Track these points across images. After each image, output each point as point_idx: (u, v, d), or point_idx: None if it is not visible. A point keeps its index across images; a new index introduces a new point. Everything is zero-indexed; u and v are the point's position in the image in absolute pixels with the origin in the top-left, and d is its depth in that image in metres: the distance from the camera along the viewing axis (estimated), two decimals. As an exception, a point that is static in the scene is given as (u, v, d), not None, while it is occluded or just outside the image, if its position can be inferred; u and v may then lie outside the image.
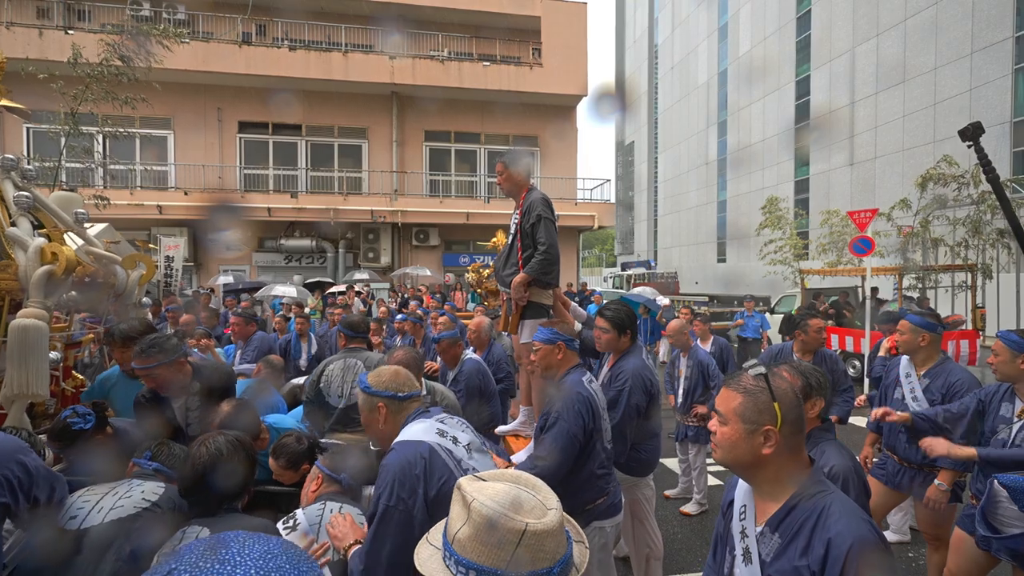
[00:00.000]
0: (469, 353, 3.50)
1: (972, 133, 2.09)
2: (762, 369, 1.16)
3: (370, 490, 1.99)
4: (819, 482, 1.16)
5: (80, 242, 3.06)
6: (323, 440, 2.35)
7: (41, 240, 2.63)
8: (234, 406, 2.20)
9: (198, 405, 2.41)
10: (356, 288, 11.08)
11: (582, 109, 16.39)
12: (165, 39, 7.94)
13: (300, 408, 3.05)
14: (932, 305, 10.06)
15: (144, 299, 3.77)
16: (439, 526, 0.92)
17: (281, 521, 1.59)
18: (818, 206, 20.78)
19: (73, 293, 2.99)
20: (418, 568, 0.88)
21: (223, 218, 13.53)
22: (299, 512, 1.63)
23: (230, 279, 11.75)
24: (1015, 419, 2.30)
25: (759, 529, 1.18)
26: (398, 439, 1.51)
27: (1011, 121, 16.28)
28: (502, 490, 0.82)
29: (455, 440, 1.55)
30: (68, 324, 3.45)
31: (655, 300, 9.01)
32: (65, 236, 3.04)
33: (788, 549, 1.11)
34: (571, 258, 16.54)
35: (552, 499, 0.85)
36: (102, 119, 8.20)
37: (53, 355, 2.53)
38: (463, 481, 0.86)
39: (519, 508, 0.80)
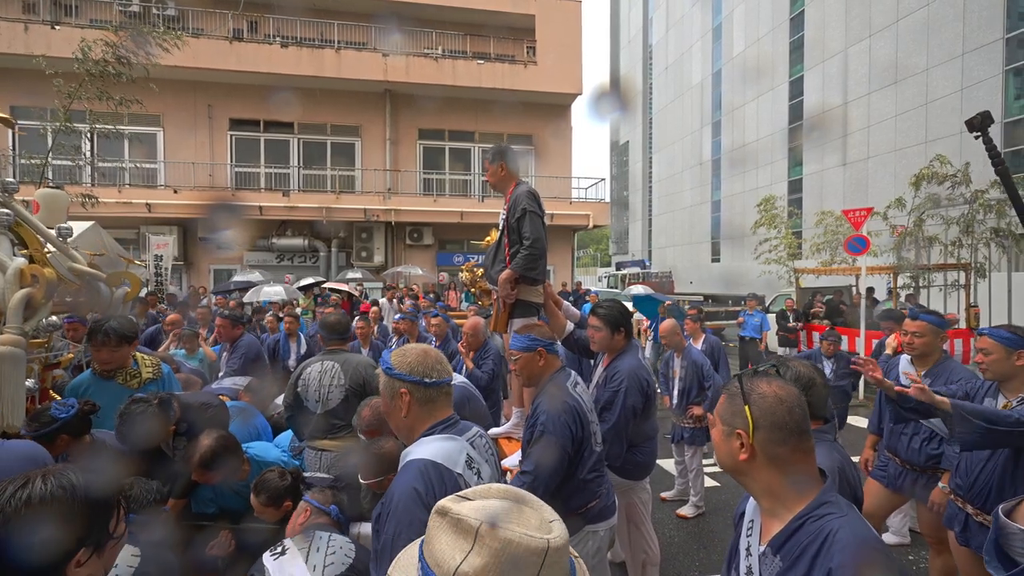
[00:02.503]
0: (458, 378, 3.25)
1: (980, 123, 2.02)
2: (744, 372, 1.17)
3: (358, 528, 1.90)
4: (829, 503, 1.04)
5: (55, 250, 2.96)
6: (307, 475, 2.27)
7: (21, 261, 2.52)
8: (214, 439, 2.09)
9: (185, 444, 2.33)
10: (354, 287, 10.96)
11: (577, 108, 16.33)
12: (165, 40, 7.78)
13: (284, 435, 2.94)
14: (926, 304, 10.08)
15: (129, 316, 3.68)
16: (404, 564, 0.76)
17: (269, 550, 1.54)
18: (811, 206, 20.88)
19: (54, 318, 2.91)
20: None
21: (214, 217, 13.36)
22: (287, 540, 1.58)
23: (248, 277, 11.53)
24: None
25: (762, 548, 1.11)
26: (419, 456, 1.30)
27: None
28: (503, 507, 0.71)
29: (479, 474, 1.39)
30: (48, 340, 3.35)
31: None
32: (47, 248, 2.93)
33: (788, 575, 1.03)
34: (566, 258, 16.49)
35: (548, 509, 0.76)
36: (91, 116, 8.03)
37: (29, 383, 2.43)
38: (448, 504, 0.72)
39: (530, 524, 0.70)
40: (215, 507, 2.31)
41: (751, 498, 1.20)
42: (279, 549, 1.52)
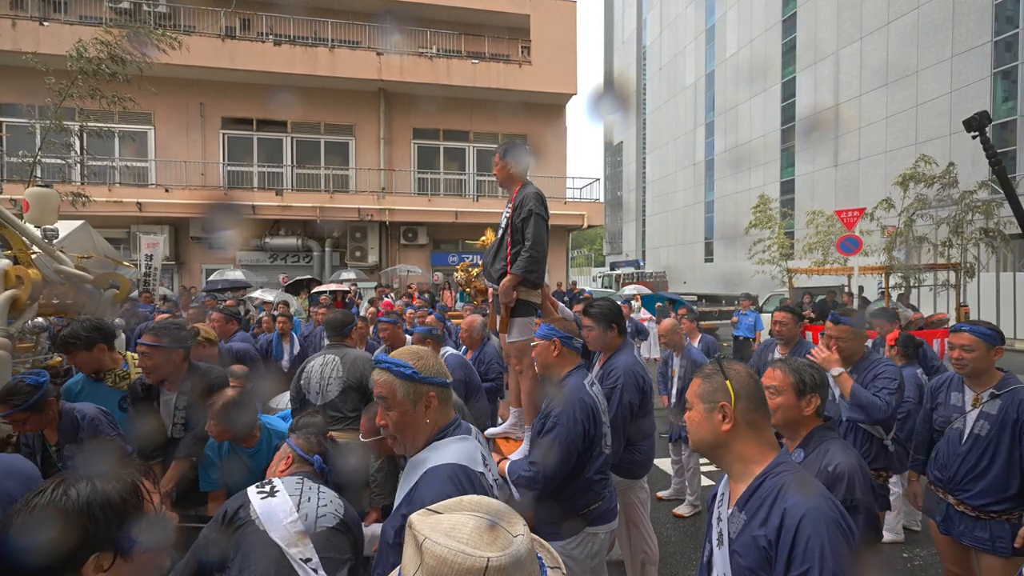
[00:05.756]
0: (449, 350, 3.42)
1: (979, 123, 2.04)
2: (716, 355, 1.37)
3: (368, 529, 1.86)
4: (784, 463, 1.22)
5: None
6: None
7: (5, 262, 2.49)
8: (238, 392, 2.13)
9: (186, 405, 2.39)
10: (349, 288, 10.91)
11: (572, 108, 16.40)
12: (161, 41, 7.70)
13: (286, 411, 2.96)
14: (916, 303, 10.19)
15: (117, 319, 3.63)
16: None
17: (255, 485, 1.47)
18: (803, 206, 21.04)
19: (40, 320, 2.86)
20: None
21: (206, 216, 13.24)
22: (276, 480, 1.49)
23: (230, 276, 11.36)
24: (968, 407, 2.33)
25: (730, 511, 1.25)
26: (445, 460, 1.28)
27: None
28: (459, 522, 0.70)
29: (489, 470, 1.40)
30: (36, 344, 3.30)
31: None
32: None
33: (751, 523, 1.18)
34: (560, 257, 16.50)
35: (518, 524, 0.73)
36: (81, 114, 7.92)
37: None
38: (414, 518, 0.73)
39: (479, 542, 0.68)
40: (218, 473, 2.29)
41: (722, 479, 1.35)
42: (267, 488, 1.44)
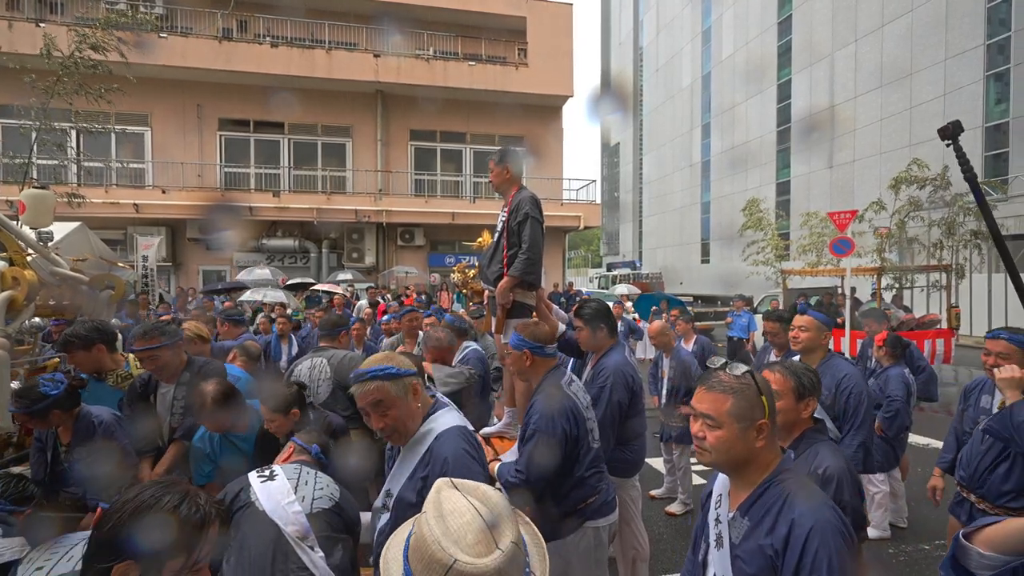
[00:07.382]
0: (471, 344, 3.53)
1: (952, 132, 2.10)
2: (745, 367, 1.23)
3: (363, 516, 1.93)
4: (786, 471, 1.21)
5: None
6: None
7: (1, 264, 2.52)
8: (219, 383, 2.18)
9: (184, 395, 2.44)
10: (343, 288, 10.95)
11: (568, 110, 16.45)
12: (138, 28, 7.73)
13: None
14: (908, 304, 10.29)
15: (114, 319, 3.67)
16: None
17: (256, 470, 1.56)
18: (799, 208, 21.16)
19: (37, 320, 2.89)
20: (384, 551, 0.86)
21: (203, 218, 13.25)
22: (275, 466, 1.60)
23: (255, 275, 11.42)
24: (996, 409, 2.36)
25: (731, 514, 1.24)
26: (449, 425, 1.52)
27: (983, 126, 16.77)
28: (459, 509, 0.75)
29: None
30: (33, 346, 3.32)
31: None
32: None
33: (755, 531, 1.17)
34: (557, 258, 16.56)
35: (506, 538, 0.75)
36: (76, 114, 7.93)
37: (14, 385, 2.44)
38: (441, 483, 0.80)
39: (460, 539, 0.72)
40: (211, 466, 2.31)
41: (718, 478, 1.33)
42: (267, 472, 1.53)
